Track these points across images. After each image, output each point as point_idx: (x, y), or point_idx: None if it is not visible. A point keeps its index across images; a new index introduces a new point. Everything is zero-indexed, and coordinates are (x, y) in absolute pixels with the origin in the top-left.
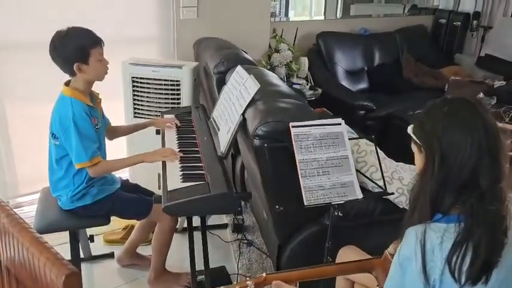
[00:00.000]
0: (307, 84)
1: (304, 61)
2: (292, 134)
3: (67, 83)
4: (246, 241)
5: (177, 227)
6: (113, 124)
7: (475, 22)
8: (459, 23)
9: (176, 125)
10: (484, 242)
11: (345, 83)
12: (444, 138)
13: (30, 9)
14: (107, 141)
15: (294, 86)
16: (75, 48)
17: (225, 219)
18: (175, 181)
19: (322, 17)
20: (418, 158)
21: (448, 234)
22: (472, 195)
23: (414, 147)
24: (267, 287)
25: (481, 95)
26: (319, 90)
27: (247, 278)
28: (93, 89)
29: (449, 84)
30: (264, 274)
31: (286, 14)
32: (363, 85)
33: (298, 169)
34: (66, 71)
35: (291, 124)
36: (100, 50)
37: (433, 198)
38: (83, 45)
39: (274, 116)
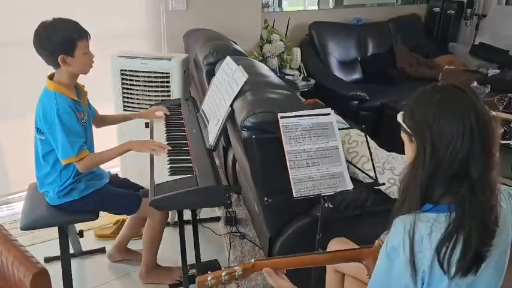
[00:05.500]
0: (300, 75)
1: (297, 52)
2: (280, 125)
3: (51, 77)
4: (238, 234)
5: (169, 220)
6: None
7: (469, 10)
8: (453, 12)
9: (166, 115)
10: (475, 232)
11: (338, 73)
12: (435, 127)
13: (16, 5)
14: (96, 133)
15: (286, 77)
16: (61, 40)
17: (217, 212)
18: (163, 174)
19: (315, 7)
20: (408, 146)
21: (438, 224)
22: (463, 186)
23: (404, 136)
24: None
25: (475, 83)
26: (312, 81)
27: (236, 265)
28: (79, 81)
29: (443, 74)
30: (252, 260)
31: (280, 5)
32: (357, 75)
33: (287, 160)
34: (50, 63)
35: (279, 115)
36: (86, 43)
37: (423, 189)
38: (69, 37)
39: (262, 107)
